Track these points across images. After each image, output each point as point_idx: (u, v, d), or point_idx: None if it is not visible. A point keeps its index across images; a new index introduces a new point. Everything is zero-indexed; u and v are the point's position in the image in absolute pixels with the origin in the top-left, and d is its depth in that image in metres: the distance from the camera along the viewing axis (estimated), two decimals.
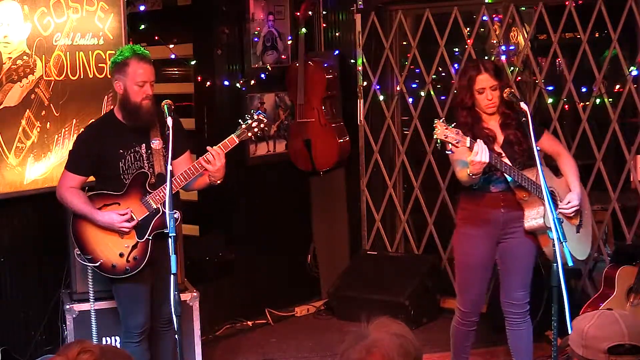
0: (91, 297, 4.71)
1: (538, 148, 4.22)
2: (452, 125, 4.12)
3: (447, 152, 4.19)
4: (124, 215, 4.23)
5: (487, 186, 4.41)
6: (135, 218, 4.27)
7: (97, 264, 4.30)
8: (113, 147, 4.29)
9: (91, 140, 4.37)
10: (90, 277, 4.65)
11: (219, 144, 4.28)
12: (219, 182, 4.35)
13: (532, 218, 4.39)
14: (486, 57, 6.55)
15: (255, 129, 4.35)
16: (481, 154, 4.13)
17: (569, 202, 4.49)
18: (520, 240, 4.47)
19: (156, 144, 4.30)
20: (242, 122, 4.35)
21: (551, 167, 4.72)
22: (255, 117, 4.35)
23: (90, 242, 4.30)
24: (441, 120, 4.11)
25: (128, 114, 4.30)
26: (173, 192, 4.13)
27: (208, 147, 4.27)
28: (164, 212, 4.18)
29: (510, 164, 4.32)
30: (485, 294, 4.62)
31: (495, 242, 4.51)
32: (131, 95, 4.24)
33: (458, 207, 4.68)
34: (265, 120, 4.39)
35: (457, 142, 4.08)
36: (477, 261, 4.51)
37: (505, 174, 4.33)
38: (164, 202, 4.18)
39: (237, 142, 4.31)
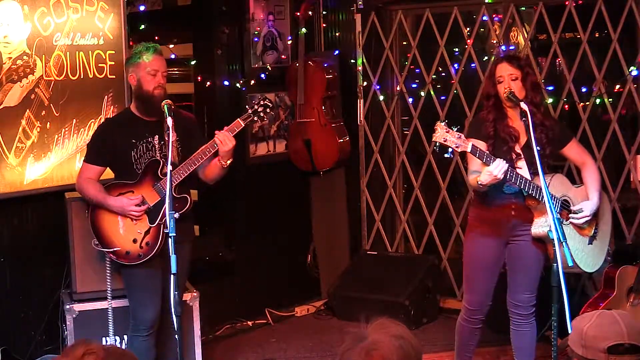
0: (109, 295, 4.73)
1: (539, 148, 4.20)
2: (456, 129, 4.07)
3: (445, 155, 4.17)
4: (133, 199, 4.37)
5: (500, 187, 4.36)
6: (147, 203, 4.39)
7: (112, 250, 4.42)
8: (126, 137, 4.44)
9: (106, 131, 4.54)
10: (108, 274, 4.69)
11: (226, 128, 4.41)
12: (229, 162, 4.44)
13: (540, 225, 4.32)
14: (486, 57, 6.56)
15: (261, 113, 4.50)
16: (497, 169, 4.09)
17: (580, 211, 4.44)
18: (530, 242, 4.42)
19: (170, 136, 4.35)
20: (248, 108, 4.51)
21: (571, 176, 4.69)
22: (262, 102, 4.50)
23: (106, 231, 4.44)
24: (443, 123, 4.06)
25: (142, 104, 4.44)
26: (187, 174, 4.36)
27: (216, 131, 4.41)
28: (175, 197, 4.27)
29: (526, 171, 4.26)
30: (492, 293, 4.57)
31: (504, 244, 4.49)
32: (144, 84, 4.38)
33: (471, 205, 4.68)
34: (271, 105, 4.53)
35: (456, 147, 4.04)
36: (483, 261, 4.50)
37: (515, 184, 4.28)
38: (176, 185, 4.33)
39: (243, 125, 4.44)
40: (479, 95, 5.88)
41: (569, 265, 4.02)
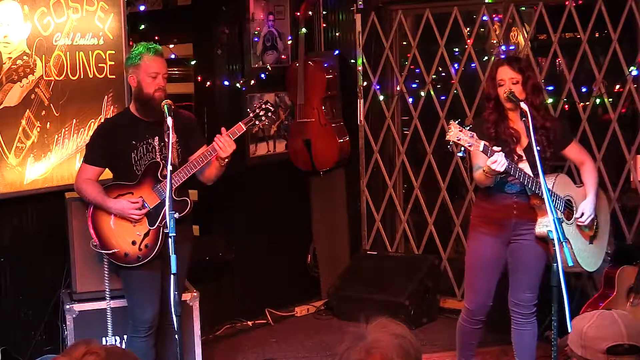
0: (107, 296, 4.73)
1: (538, 148, 4.20)
2: (468, 128, 4.08)
3: (458, 154, 4.17)
4: (134, 203, 4.35)
5: (503, 186, 4.39)
6: (147, 206, 4.39)
7: (111, 252, 4.41)
8: (126, 138, 4.42)
9: (105, 132, 4.52)
10: (106, 274, 4.69)
11: (227, 131, 4.40)
12: (227, 160, 4.43)
13: (544, 225, 4.33)
14: (486, 57, 6.55)
15: (263, 117, 4.50)
16: (498, 163, 4.10)
17: (582, 214, 4.47)
18: (531, 242, 4.44)
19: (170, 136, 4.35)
20: (250, 111, 4.51)
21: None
22: (263, 106, 4.50)
23: (105, 232, 4.42)
24: (456, 122, 4.07)
25: (142, 106, 4.42)
26: (187, 177, 4.38)
27: (217, 135, 4.40)
28: (175, 199, 4.27)
29: (529, 172, 4.27)
30: (492, 294, 4.58)
31: (506, 244, 4.50)
32: (144, 87, 4.36)
33: (474, 204, 4.69)
34: (273, 109, 4.54)
35: (469, 146, 4.05)
36: (484, 261, 4.51)
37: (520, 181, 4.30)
38: (176, 188, 4.33)
39: (245, 129, 4.45)
40: (479, 95, 5.90)
41: (569, 265, 4.02)
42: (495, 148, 4.15)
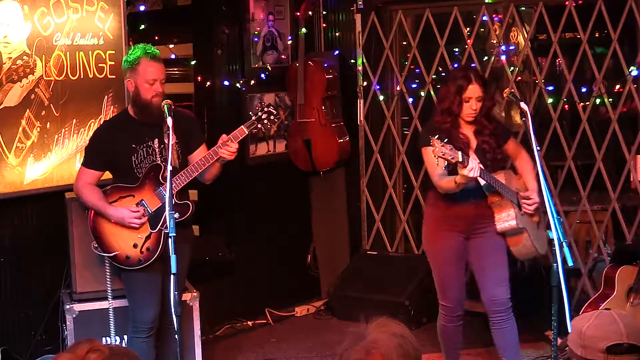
0: (109, 296, 4.73)
1: (538, 148, 4.24)
2: (445, 141, 4.15)
3: (444, 168, 4.22)
4: (135, 212, 4.34)
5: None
6: (148, 210, 4.38)
7: (112, 255, 4.40)
8: (126, 141, 4.40)
9: (105, 135, 4.50)
10: (108, 275, 4.69)
11: (229, 136, 4.39)
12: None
13: (504, 220, 4.48)
14: (486, 57, 6.56)
15: (265, 120, 4.50)
16: (474, 169, 4.20)
17: (530, 199, 4.55)
18: (491, 236, 4.54)
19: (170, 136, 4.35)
20: (252, 114, 4.50)
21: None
22: (265, 109, 4.50)
23: (106, 234, 4.41)
24: (436, 137, 4.12)
25: (139, 111, 4.41)
26: (188, 181, 4.37)
27: (222, 144, 4.38)
28: (176, 202, 4.27)
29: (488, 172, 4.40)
30: (464, 288, 4.68)
31: (465, 237, 4.57)
32: (142, 92, 4.35)
33: (427, 204, 4.74)
34: (275, 112, 4.53)
35: (452, 158, 4.12)
36: (453, 256, 4.58)
37: (481, 180, 4.38)
38: (177, 192, 4.33)
39: (247, 132, 4.45)
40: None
41: (570, 265, 4.02)
42: (472, 158, 4.24)
